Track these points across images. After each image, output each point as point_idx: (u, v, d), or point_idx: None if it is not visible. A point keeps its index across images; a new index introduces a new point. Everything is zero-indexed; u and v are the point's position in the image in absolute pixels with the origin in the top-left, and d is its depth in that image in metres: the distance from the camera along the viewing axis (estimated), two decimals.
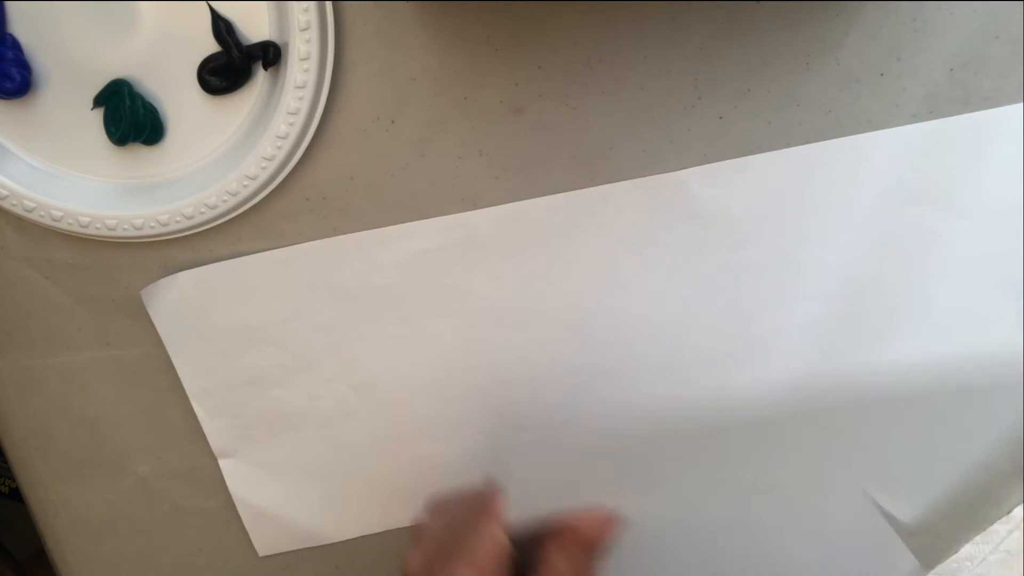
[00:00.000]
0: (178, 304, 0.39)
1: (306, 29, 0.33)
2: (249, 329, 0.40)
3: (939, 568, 0.47)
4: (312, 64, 0.34)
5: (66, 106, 0.36)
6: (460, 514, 0.33)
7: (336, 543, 0.45)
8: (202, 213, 0.37)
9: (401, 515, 0.45)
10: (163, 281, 0.39)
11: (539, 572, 0.31)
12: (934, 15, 0.36)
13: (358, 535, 0.45)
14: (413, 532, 0.36)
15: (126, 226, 0.37)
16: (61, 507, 0.44)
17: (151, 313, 0.40)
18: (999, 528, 0.47)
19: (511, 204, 0.38)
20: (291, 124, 0.35)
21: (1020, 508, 0.47)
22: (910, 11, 0.36)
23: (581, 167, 0.38)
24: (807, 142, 0.38)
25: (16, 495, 0.79)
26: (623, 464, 0.37)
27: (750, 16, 0.36)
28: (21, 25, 0.34)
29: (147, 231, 0.37)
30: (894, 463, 0.40)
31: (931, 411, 0.43)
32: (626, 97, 0.37)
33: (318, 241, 0.39)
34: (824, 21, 0.36)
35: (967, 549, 0.47)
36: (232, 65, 0.35)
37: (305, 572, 0.46)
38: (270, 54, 0.34)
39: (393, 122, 0.37)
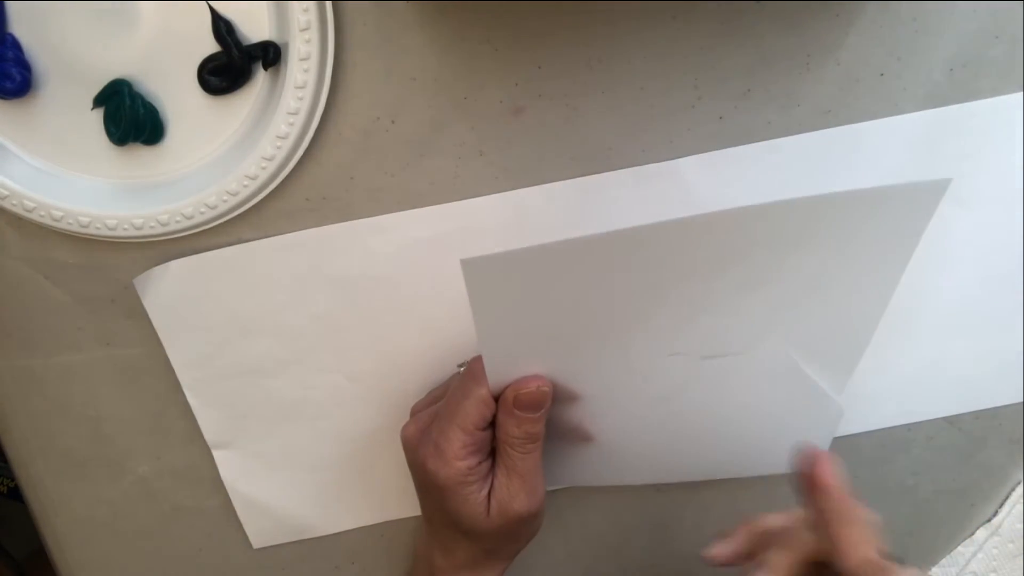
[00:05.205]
0: (171, 293, 0.39)
1: (306, 29, 0.33)
2: (243, 318, 0.40)
3: (943, 561, 0.47)
4: (312, 64, 0.34)
5: (66, 106, 0.36)
6: (451, 389, 0.37)
7: (334, 541, 0.45)
8: (202, 213, 0.37)
9: (396, 507, 0.45)
10: (156, 269, 0.39)
11: (496, 434, 0.36)
12: (934, 15, 0.36)
13: (353, 527, 0.45)
14: (412, 410, 0.40)
15: (126, 226, 0.37)
16: (61, 507, 0.44)
17: (144, 302, 0.39)
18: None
19: (506, 193, 0.38)
20: (291, 124, 0.35)
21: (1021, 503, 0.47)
22: (910, 11, 0.36)
23: (581, 167, 0.38)
24: None
25: (16, 495, 0.79)
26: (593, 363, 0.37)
27: (750, 16, 0.36)
28: (21, 25, 0.34)
29: (147, 231, 0.37)
30: None
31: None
32: (626, 97, 0.37)
33: (312, 230, 0.39)
34: (824, 21, 0.36)
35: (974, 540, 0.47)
36: (232, 65, 0.35)
37: (304, 571, 0.46)
38: (270, 54, 0.34)
39: (393, 122, 0.37)
